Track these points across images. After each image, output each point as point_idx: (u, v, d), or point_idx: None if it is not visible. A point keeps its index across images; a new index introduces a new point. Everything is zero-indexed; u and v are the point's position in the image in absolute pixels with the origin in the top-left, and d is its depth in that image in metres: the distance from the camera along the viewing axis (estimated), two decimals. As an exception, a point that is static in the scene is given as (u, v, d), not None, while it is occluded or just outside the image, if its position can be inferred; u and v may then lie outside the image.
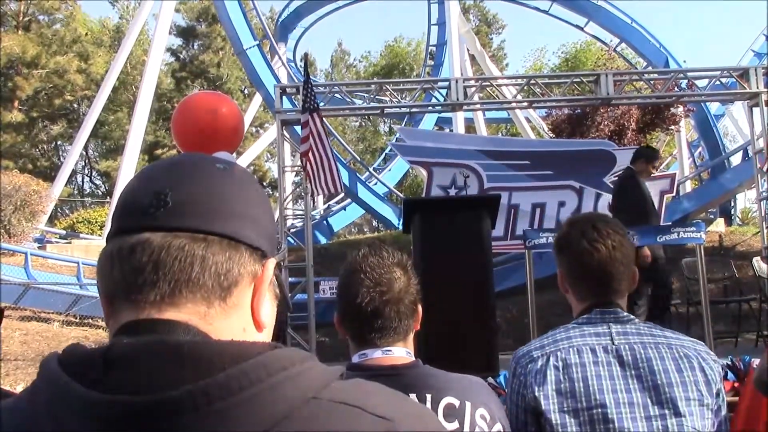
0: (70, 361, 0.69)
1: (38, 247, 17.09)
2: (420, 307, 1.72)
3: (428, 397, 1.56)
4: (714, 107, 20.38)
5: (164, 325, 0.72)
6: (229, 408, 0.63)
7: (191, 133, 7.15)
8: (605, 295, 1.78)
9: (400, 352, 1.64)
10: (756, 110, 9.68)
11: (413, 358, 1.66)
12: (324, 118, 8.62)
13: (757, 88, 9.36)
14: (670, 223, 9.08)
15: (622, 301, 1.81)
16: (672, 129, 16.22)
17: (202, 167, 0.80)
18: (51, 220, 23.65)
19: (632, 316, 1.77)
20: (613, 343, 1.69)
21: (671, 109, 14.56)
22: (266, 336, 0.82)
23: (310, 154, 8.18)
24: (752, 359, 5.59)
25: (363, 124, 43.77)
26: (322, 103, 8.95)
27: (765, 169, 8.98)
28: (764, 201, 9.89)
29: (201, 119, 7.14)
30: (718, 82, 9.98)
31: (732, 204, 21.77)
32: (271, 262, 0.81)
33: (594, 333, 1.71)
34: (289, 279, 9.53)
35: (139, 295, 0.73)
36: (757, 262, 9.06)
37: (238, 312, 0.77)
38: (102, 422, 0.63)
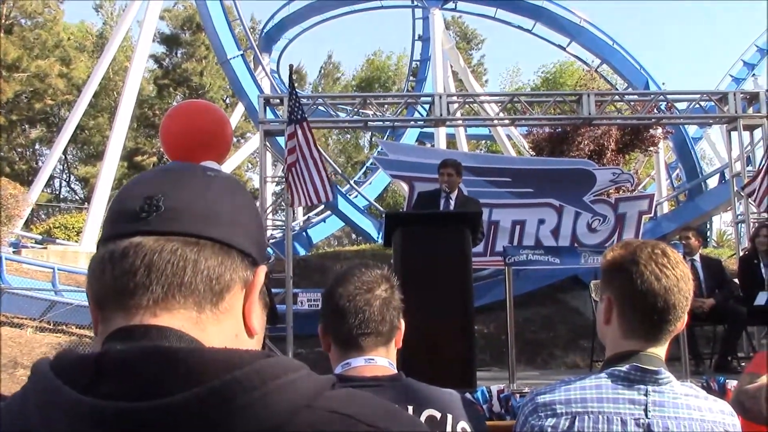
0: (63, 366, 0.68)
1: (13, 252, 16.79)
2: (402, 324, 1.73)
3: (410, 409, 1.56)
4: (692, 130, 20.68)
5: (157, 332, 0.72)
6: (223, 416, 0.63)
7: (181, 140, 7.07)
8: (657, 334, 1.58)
9: (383, 362, 1.64)
10: (734, 134, 9.83)
11: (395, 370, 1.67)
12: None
13: (735, 112, 9.51)
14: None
15: (665, 348, 1.61)
16: (650, 150, 16.38)
17: (193, 174, 0.81)
18: (27, 225, 23.32)
19: (672, 378, 1.56)
20: (647, 417, 1.50)
21: (650, 130, 14.71)
22: (257, 343, 0.82)
23: (294, 168, 8.16)
24: (727, 380, 5.68)
25: (341, 138, 43.64)
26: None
27: (744, 192, 9.05)
28: (740, 224, 10.03)
29: (192, 127, 7.07)
30: (697, 106, 10.14)
31: (708, 226, 22.05)
32: (262, 270, 0.81)
33: (629, 399, 1.52)
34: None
35: (131, 299, 0.73)
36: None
37: (230, 318, 0.77)
38: (95, 428, 0.63)
